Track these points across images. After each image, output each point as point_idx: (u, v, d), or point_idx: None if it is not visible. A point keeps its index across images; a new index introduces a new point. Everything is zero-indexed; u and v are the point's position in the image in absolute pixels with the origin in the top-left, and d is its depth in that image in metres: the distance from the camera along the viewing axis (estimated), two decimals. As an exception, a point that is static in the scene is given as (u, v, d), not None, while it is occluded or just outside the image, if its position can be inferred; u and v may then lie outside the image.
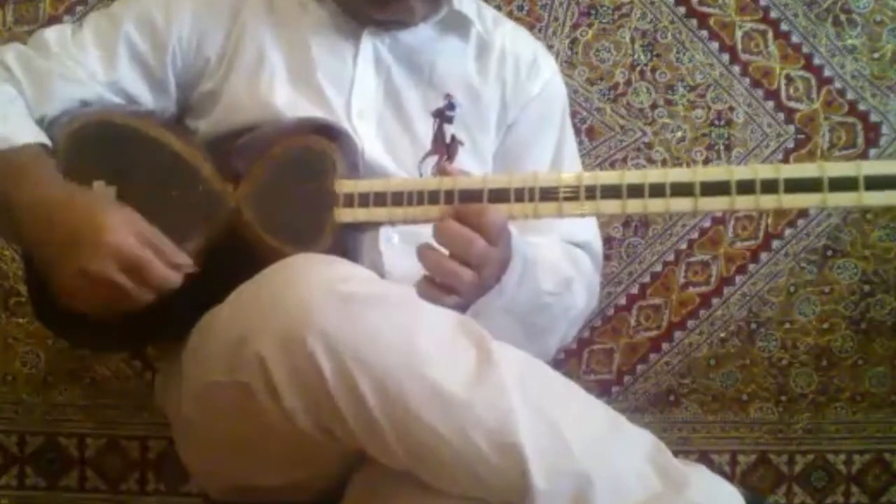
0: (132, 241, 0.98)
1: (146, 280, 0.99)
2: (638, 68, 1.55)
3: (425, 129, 1.19)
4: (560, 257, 1.21)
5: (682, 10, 1.54)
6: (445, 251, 0.99)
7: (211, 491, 1.13)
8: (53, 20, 1.49)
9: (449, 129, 1.19)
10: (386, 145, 1.19)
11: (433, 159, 1.17)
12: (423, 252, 1.00)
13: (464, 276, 0.98)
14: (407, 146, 1.20)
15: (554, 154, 1.29)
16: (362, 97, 1.19)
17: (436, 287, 0.99)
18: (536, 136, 1.28)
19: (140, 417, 1.52)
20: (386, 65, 1.21)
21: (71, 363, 1.52)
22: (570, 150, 1.33)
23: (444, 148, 1.18)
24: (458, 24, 1.25)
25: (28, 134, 1.09)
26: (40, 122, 1.12)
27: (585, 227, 1.27)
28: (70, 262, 0.98)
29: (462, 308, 1.00)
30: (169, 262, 1.01)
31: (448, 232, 0.99)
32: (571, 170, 1.30)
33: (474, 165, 1.21)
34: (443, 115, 1.18)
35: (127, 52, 1.18)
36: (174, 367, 1.08)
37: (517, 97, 1.27)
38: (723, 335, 1.57)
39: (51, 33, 1.18)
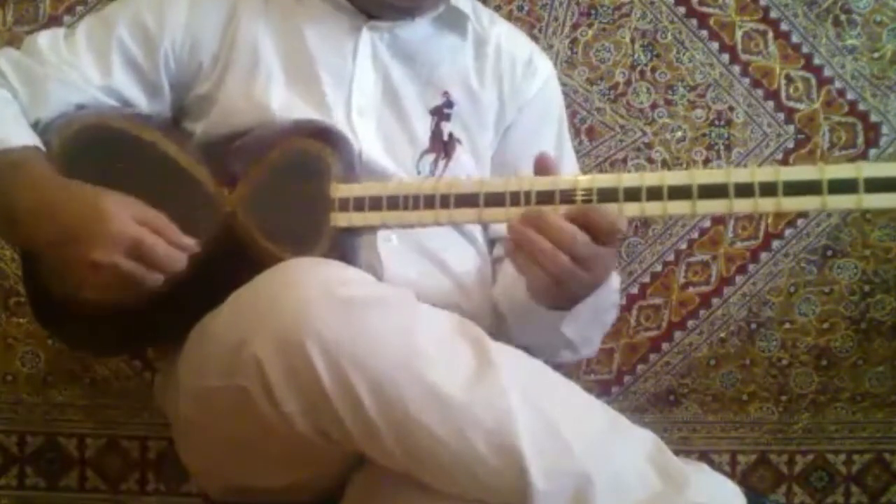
0: (135, 227, 0.98)
1: (153, 263, 0.99)
2: (638, 68, 1.55)
3: (423, 127, 1.19)
4: None
5: (682, 10, 1.54)
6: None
7: (211, 491, 1.13)
8: (53, 20, 1.48)
9: (447, 127, 1.20)
10: (385, 143, 1.18)
11: (431, 157, 1.17)
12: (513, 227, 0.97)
13: (558, 259, 0.94)
14: (405, 144, 1.19)
15: (553, 153, 1.29)
16: (362, 94, 1.19)
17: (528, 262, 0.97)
18: (535, 137, 1.27)
19: (140, 417, 1.52)
20: (384, 62, 1.21)
21: (71, 363, 1.52)
22: (568, 151, 1.33)
23: (442, 146, 1.18)
24: (456, 21, 1.24)
25: (23, 136, 1.08)
26: (35, 126, 1.11)
27: None
28: (79, 256, 0.98)
29: (571, 301, 1.01)
30: (173, 244, 1.00)
31: (557, 227, 0.95)
32: (568, 171, 1.30)
33: (472, 164, 1.21)
34: (440, 113, 1.19)
35: (120, 56, 1.17)
36: (174, 368, 1.08)
37: (514, 98, 1.26)
38: (723, 335, 1.57)
39: (43, 39, 1.17)
